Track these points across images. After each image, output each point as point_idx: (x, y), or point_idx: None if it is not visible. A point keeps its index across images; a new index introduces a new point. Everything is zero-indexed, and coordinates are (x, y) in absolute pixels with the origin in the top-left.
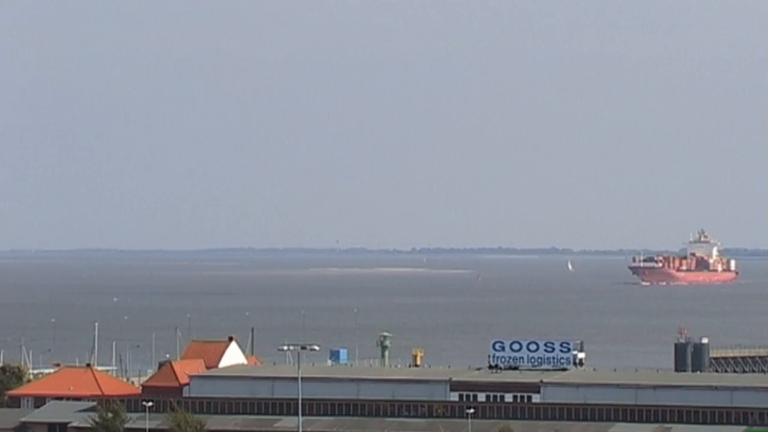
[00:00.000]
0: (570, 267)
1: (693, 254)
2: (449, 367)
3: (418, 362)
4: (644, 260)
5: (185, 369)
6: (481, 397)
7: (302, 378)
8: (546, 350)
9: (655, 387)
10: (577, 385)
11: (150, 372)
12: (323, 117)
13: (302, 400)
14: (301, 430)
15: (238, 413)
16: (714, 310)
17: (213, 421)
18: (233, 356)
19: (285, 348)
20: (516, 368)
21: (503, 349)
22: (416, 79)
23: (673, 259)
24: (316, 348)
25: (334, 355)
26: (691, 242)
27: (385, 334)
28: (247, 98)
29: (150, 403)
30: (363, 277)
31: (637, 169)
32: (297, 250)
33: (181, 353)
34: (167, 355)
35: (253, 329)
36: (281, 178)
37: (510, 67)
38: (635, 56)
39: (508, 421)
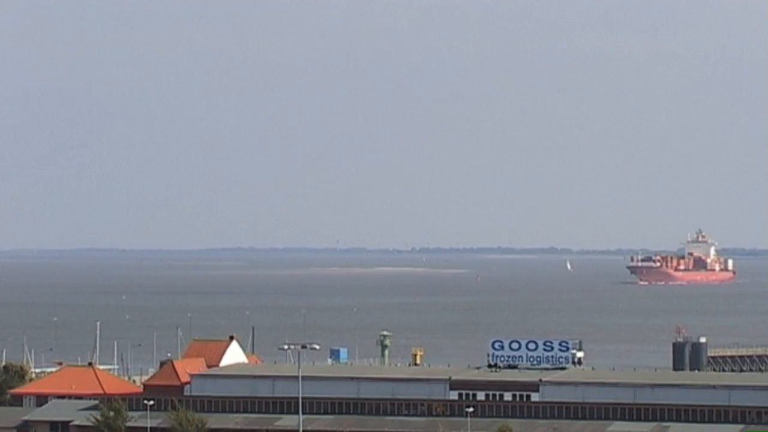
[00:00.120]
0: (569, 266)
1: (691, 254)
2: (449, 366)
3: (418, 361)
4: (642, 260)
5: (186, 368)
6: (481, 395)
7: (302, 377)
8: (545, 349)
9: (653, 386)
10: (576, 384)
11: (151, 371)
12: (323, 117)
13: (302, 398)
14: (301, 428)
15: (238, 412)
16: (712, 309)
17: (214, 419)
18: (234, 355)
19: (285, 347)
20: (515, 367)
21: (502, 348)
22: (416, 79)
23: (671, 258)
24: (317, 347)
25: (335, 354)
26: (688, 242)
27: (385, 333)
28: (247, 98)
29: (151, 402)
30: (363, 276)
31: (635, 170)
32: (297, 250)
33: (182, 352)
34: (168, 354)
35: (253, 328)
36: (281, 178)
37: (510, 67)
38: (634, 56)
39: (507, 419)
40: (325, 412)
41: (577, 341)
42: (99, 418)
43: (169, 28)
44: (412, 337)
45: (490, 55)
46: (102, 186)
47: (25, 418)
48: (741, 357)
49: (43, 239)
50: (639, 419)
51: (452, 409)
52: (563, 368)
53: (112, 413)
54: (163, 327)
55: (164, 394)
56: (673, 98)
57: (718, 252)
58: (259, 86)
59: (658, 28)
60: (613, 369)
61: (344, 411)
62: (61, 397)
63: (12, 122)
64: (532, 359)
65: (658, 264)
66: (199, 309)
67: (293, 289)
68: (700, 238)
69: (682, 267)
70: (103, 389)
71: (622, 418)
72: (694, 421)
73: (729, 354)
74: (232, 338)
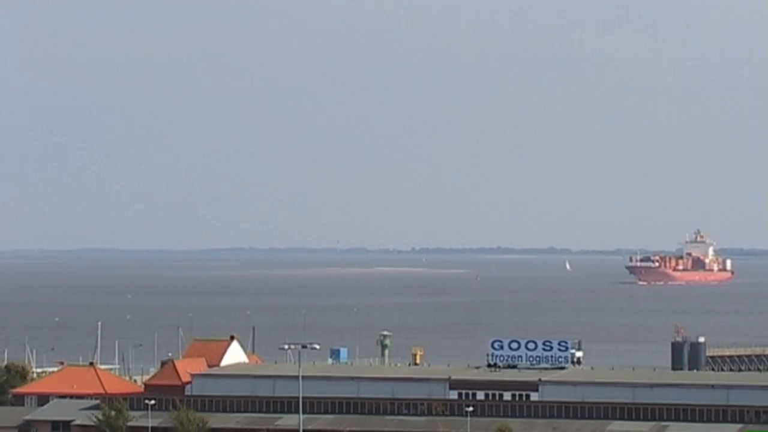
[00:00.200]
0: (568, 267)
1: (689, 254)
2: (448, 365)
3: (418, 361)
4: (641, 260)
5: (187, 367)
6: (480, 395)
7: (303, 376)
8: (544, 349)
9: (652, 385)
10: (575, 384)
11: (152, 370)
12: (323, 117)
13: (303, 398)
14: (301, 428)
15: (239, 411)
16: (710, 309)
17: (215, 419)
18: (235, 355)
19: (286, 347)
20: (514, 367)
21: (502, 347)
22: (416, 79)
23: (670, 258)
24: (317, 347)
25: (335, 354)
26: (687, 242)
27: (385, 333)
28: (247, 98)
29: (152, 402)
30: (363, 276)
31: (634, 170)
32: (298, 250)
33: (183, 352)
34: (169, 354)
35: (254, 328)
36: (281, 178)
37: (510, 67)
38: (634, 56)
39: (507, 419)
40: (326, 412)
41: (576, 341)
42: (100, 417)
43: (169, 28)
44: (411, 337)
45: (490, 55)
46: (102, 186)
47: (27, 417)
48: (739, 357)
49: (44, 239)
50: (638, 419)
51: (452, 409)
52: (562, 368)
53: (113, 413)
54: (164, 327)
55: (165, 394)
56: (673, 98)
57: (716, 252)
58: (260, 86)
59: (658, 28)
60: (612, 369)
61: (344, 411)
62: (63, 396)
63: (12, 122)
64: (531, 359)
65: (657, 264)
66: (200, 309)
67: (294, 289)
68: (698, 239)
69: (680, 267)
70: (104, 389)
71: (621, 418)
72: (693, 420)
73: (727, 354)
74: (232, 338)
